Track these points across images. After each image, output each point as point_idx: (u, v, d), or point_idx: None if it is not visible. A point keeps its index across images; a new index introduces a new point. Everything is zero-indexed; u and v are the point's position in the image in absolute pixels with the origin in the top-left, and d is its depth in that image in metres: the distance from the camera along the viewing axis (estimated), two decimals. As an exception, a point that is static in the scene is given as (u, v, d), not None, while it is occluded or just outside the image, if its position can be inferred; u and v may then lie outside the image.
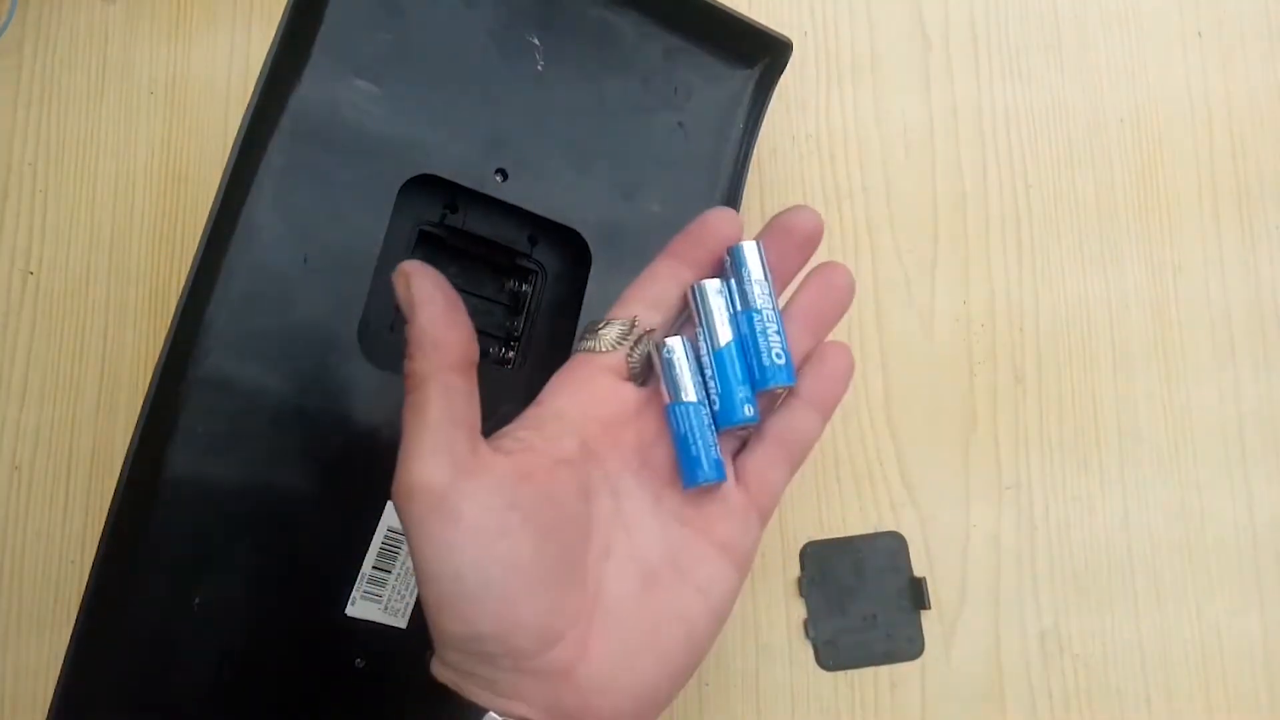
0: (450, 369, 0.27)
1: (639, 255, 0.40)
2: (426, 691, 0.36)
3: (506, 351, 0.41)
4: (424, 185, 0.38)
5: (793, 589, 0.45)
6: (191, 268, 0.34)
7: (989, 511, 0.47)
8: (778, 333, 0.30)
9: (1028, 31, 0.51)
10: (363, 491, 0.35)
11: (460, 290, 0.40)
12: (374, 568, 0.35)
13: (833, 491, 0.46)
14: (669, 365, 0.30)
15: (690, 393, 0.29)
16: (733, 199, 0.43)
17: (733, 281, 0.30)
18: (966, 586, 0.46)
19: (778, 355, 0.29)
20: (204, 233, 0.34)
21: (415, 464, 0.26)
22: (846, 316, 0.49)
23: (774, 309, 0.30)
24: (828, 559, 0.46)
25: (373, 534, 0.35)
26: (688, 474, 0.29)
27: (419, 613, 0.36)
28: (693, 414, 0.29)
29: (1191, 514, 0.47)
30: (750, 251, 0.30)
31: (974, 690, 0.45)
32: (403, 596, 0.36)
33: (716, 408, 0.29)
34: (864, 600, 0.45)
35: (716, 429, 0.29)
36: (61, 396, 0.44)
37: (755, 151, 0.44)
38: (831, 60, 0.50)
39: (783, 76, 0.44)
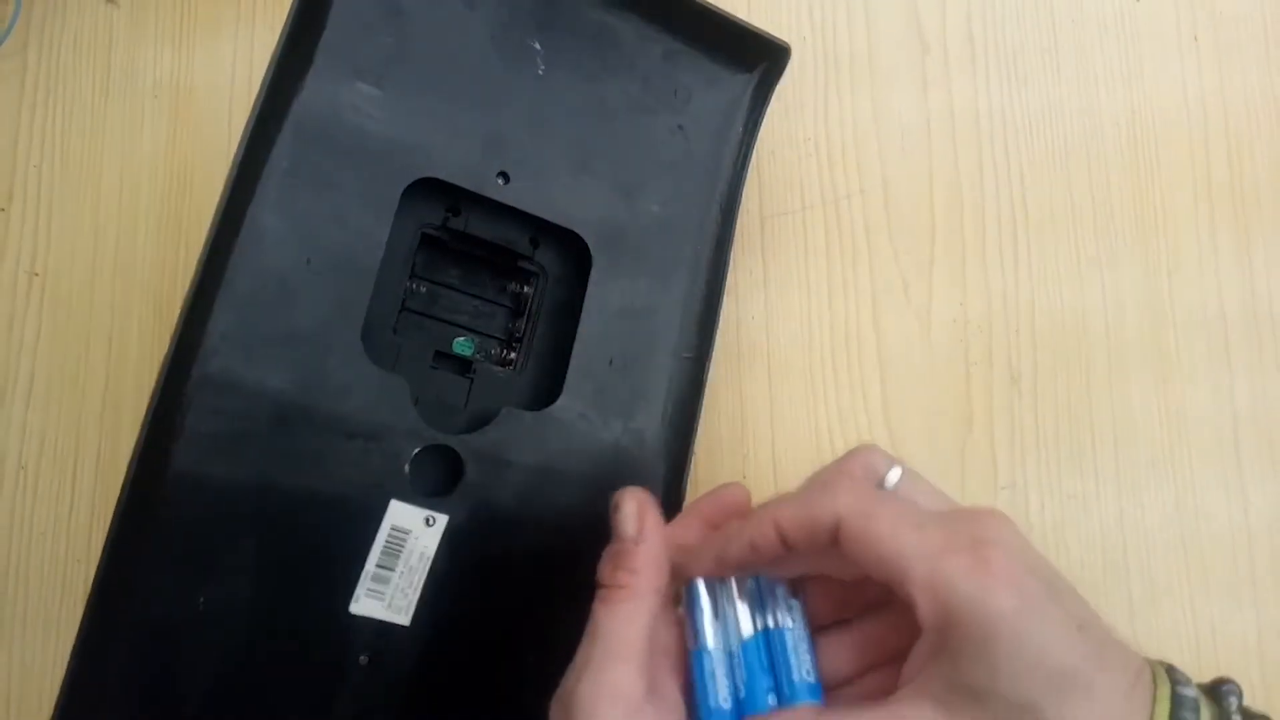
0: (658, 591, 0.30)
1: (639, 256, 0.41)
2: (430, 688, 0.37)
3: (508, 353, 0.41)
4: (426, 188, 0.38)
5: (791, 588, 0.46)
6: (196, 270, 0.34)
7: (985, 511, 0.47)
8: (808, 651, 0.31)
9: (1024, 35, 0.51)
10: (366, 490, 0.36)
11: (461, 292, 0.41)
12: (377, 565, 0.35)
13: (831, 491, 0.47)
14: (693, 610, 0.32)
15: (709, 639, 0.31)
16: (732, 201, 0.43)
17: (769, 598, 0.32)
18: (963, 585, 0.46)
19: (807, 672, 0.31)
20: (208, 235, 0.35)
21: (588, 696, 0.28)
22: (845, 318, 0.49)
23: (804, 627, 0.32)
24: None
25: (376, 532, 0.36)
26: (701, 712, 0.30)
27: (422, 610, 0.36)
28: (705, 661, 0.31)
29: (1186, 514, 0.48)
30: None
31: (971, 688, 0.45)
32: (406, 594, 0.36)
33: (741, 695, 0.31)
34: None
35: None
36: (67, 397, 0.44)
37: (754, 154, 0.44)
38: (830, 64, 0.50)
39: (781, 80, 0.44)
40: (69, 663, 0.33)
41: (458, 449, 0.37)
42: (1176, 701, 0.29)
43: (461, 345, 0.41)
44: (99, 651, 0.33)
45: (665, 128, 0.42)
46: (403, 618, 0.36)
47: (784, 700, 0.30)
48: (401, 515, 0.36)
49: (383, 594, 0.36)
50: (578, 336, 0.39)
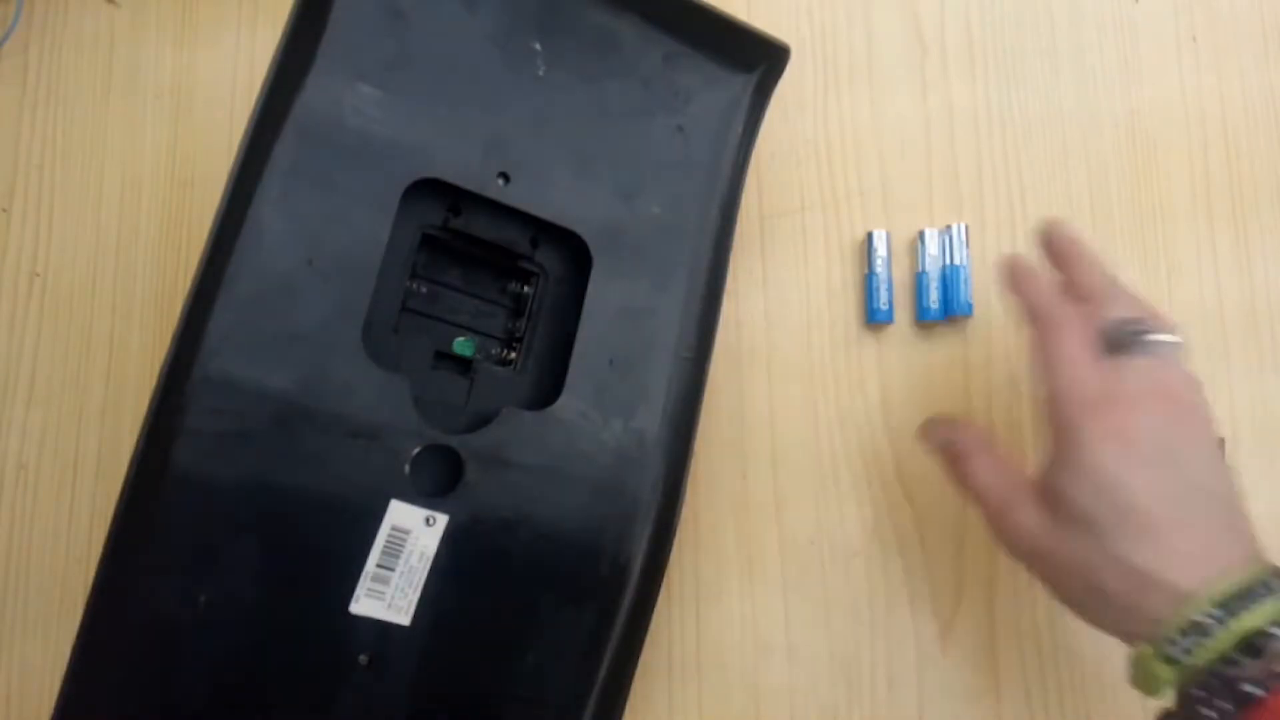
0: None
1: (639, 257, 0.41)
2: (429, 688, 0.37)
3: (509, 353, 0.41)
4: (427, 189, 0.38)
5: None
6: (197, 269, 0.34)
7: (985, 511, 0.47)
8: (966, 282, 0.48)
9: (1023, 36, 0.51)
10: (366, 490, 0.36)
11: (462, 292, 0.41)
12: (377, 565, 0.36)
13: (830, 493, 0.47)
14: (871, 250, 0.48)
15: (878, 266, 0.48)
16: (732, 201, 0.43)
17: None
18: (963, 585, 0.46)
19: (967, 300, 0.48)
20: (209, 235, 0.35)
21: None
22: (844, 318, 0.49)
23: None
24: (825, 558, 0.46)
25: (376, 532, 0.36)
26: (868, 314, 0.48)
27: (422, 610, 0.36)
28: (873, 282, 0.48)
29: (1185, 514, 0.48)
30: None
31: (970, 687, 0.46)
32: (406, 594, 0.36)
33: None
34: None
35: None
36: (68, 397, 0.44)
37: (754, 155, 0.44)
38: (829, 65, 0.50)
39: (781, 81, 0.44)
40: (69, 661, 0.33)
41: (458, 449, 0.37)
42: (1244, 586, 0.32)
43: (462, 345, 0.41)
44: (99, 651, 0.33)
45: (665, 128, 0.42)
46: (403, 618, 0.36)
47: None
48: (401, 515, 0.36)
49: (383, 594, 0.36)
50: (578, 336, 0.39)
